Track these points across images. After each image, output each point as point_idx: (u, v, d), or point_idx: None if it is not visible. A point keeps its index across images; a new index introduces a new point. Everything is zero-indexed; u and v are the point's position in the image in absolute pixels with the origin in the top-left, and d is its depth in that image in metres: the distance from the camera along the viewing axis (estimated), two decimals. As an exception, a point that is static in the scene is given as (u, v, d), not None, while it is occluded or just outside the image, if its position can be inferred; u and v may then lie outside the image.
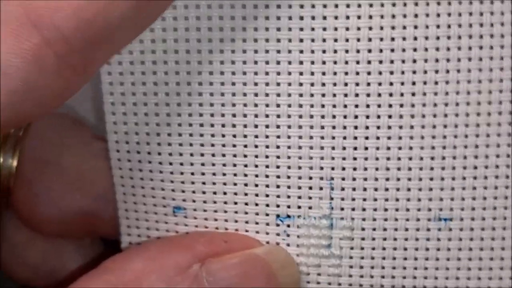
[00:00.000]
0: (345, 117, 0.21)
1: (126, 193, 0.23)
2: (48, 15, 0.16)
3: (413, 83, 0.21)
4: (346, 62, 0.21)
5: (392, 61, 0.20)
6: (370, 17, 0.20)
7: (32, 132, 0.24)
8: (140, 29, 0.18)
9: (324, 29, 0.20)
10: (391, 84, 0.21)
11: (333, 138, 0.21)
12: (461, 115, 0.21)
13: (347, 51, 0.20)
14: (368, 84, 0.21)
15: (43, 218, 0.24)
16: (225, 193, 0.22)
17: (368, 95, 0.21)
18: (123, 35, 0.18)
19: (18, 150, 0.23)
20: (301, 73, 0.21)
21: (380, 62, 0.20)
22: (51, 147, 0.24)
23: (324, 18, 0.20)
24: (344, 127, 0.21)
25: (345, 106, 0.21)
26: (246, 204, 0.22)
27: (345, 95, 0.21)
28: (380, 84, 0.21)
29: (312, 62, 0.21)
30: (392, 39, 0.20)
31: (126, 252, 0.23)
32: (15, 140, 0.23)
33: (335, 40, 0.20)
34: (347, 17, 0.20)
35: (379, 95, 0.21)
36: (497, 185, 0.21)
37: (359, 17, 0.20)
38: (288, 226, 0.22)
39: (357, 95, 0.21)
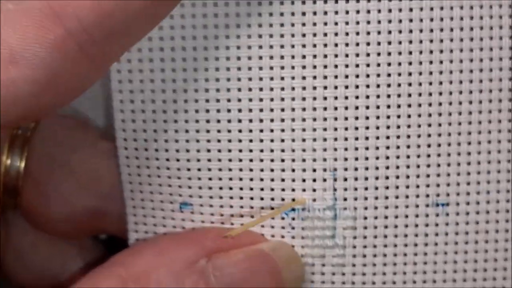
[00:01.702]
0: (346, 108, 0.22)
1: (133, 190, 0.24)
2: (71, 7, 0.17)
3: (409, 74, 0.22)
4: (347, 55, 0.22)
5: (389, 53, 0.22)
6: (368, 11, 0.21)
7: (40, 132, 0.24)
8: (154, 23, 0.19)
9: (325, 23, 0.21)
10: (388, 75, 0.22)
11: (336, 129, 0.22)
12: (454, 103, 0.22)
13: (347, 44, 0.22)
14: (367, 75, 0.22)
15: (53, 217, 0.24)
16: (231, 188, 0.23)
17: (367, 86, 0.22)
18: (138, 28, 0.19)
19: (26, 151, 0.24)
20: (303, 67, 0.22)
21: (378, 54, 0.22)
22: (59, 147, 0.24)
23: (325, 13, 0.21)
24: (346, 118, 0.22)
25: (346, 97, 0.22)
26: (252, 198, 0.23)
27: (346, 87, 0.22)
28: (378, 75, 0.22)
29: (315, 56, 0.22)
30: (389, 32, 0.21)
31: (134, 247, 0.23)
32: (23, 141, 0.24)
33: (335, 34, 0.22)
34: (347, 12, 0.21)
35: (378, 86, 0.22)
36: (490, 170, 0.22)
37: (357, 12, 0.21)
38: (293, 219, 0.23)
39: (357, 86, 0.22)
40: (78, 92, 0.19)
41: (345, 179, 0.23)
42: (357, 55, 0.22)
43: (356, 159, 0.22)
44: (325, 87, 0.22)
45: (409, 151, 0.22)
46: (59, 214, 0.24)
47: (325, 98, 0.22)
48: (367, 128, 0.22)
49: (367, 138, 0.22)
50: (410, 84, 0.22)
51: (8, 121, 0.18)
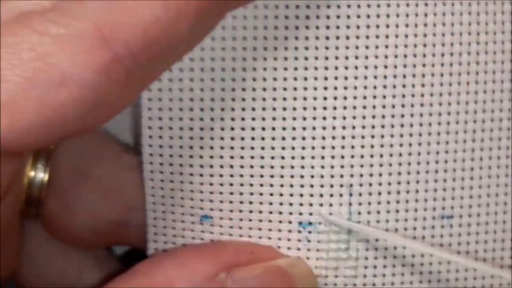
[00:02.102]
0: (363, 127, 0.24)
1: (155, 202, 0.25)
2: (120, 32, 0.18)
3: (422, 95, 0.23)
4: (365, 77, 0.23)
5: (404, 75, 0.23)
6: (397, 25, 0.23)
7: (64, 145, 0.25)
8: (194, 45, 0.20)
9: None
10: (403, 96, 0.23)
11: (353, 147, 0.24)
12: (461, 122, 0.24)
13: (366, 67, 0.23)
14: (384, 96, 0.23)
15: (76, 228, 0.25)
16: (251, 203, 0.24)
17: (383, 107, 0.23)
18: (180, 51, 0.20)
19: (50, 163, 0.25)
20: (325, 88, 0.23)
21: (394, 76, 0.23)
22: (83, 159, 0.25)
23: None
24: (363, 137, 0.24)
25: (364, 117, 0.24)
26: (271, 212, 0.24)
27: (364, 107, 0.23)
28: (394, 96, 0.23)
29: (336, 78, 0.23)
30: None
31: (155, 257, 0.24)
32: (47, 154, 0.25)
33: (356, 57, 0.23)
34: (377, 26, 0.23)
35: (393, 106, 0.23)
36: (490, 184, 0.24)
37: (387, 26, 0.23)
38: (310, 232, 0.24)
39: (374, 107, 0.23)
40: (119, 110, 0.20)
41: (360, 194, 0.24)
42: (375, 77, 0.23)
43: (371, 175, 0.24)
44: (344, 107, 0.23)
45: (419, 167, 0.24)
46: (82, 224, 0.25)
47: (344, 118, 0.24)
48: (381, 146, 0.24)
49: (381, 156, 0.24)
50: (422, 105, 0.24)
51: (53, 140, 0.19)
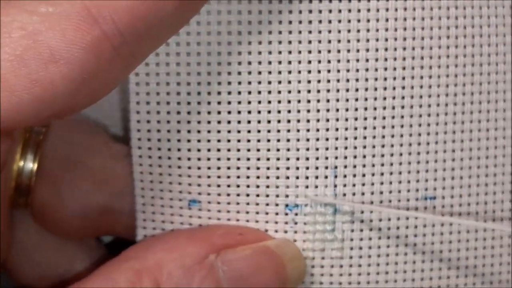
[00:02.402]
0: (346, 110, 0.24)
1: (144, 188, 0.25)
2: (107, 10, 0.18)
3: (403, 78, 0.24)
4: (348, 60, 0.24)
5: (385, 59, 0.24)
6: (377, 10, 0.24)
7: (53, 134, 0.25)
8: (181, 25, 0.21)
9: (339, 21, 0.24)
10: (385, 79, 0.24)
11: (337, 129, 0.24)
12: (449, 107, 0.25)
13: (348, 51, 0.24)
14: (366, 79, 0.24)
15: (66, 215, 0.25)
16: (238, 186, 0.25)
17: (366, 89, 0.24)
18: (167, 30, 0.20)
19: (39, 152, 0.25)
20: (309, 71, 0.24)
21: (376, 60, 0.24)
22: (73, 148, 0.25)
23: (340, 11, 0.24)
24: (346, 119, 0.24)
25: (347, 100, 0.24)
26: (258, 195, 0.25)
27: (347, 90, 0.24)
28: (376, 79, 0.24)
29: (319, 61, 0.24)
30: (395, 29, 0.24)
31: (145, 242, 0.25)
32: (36, 142, 0.25)
33: (338, 41, 0.24)
34: (358, 10, 0.24)
35: (375, 89, 0.24)
36: (471, 165, 0.25)
37: (368, 10, 0.24)
38: (296, 214, 0.25)
39: (357, 90, 0.24)
40: (108, 90, 0.20)
41: (345, 176, 0.25)
42: (357, 60, 0.24)
43: (355, 157, 0.24)
44: (328, 90, 0.24)
45: (402, 149, 0.25)
46: (72, 212, 0.25)
47: (327, 101, 0.24)
48: (365, 128, 0.24)
49: (365, 138, 0.24)
50: (403, 88, 0.24)
51: (44, 118, 0.19)
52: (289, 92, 0.24)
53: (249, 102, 0.24)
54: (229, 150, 0.24)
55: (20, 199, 0.25)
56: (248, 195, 0.25)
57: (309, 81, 0.24)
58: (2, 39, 0.18)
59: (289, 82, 0.24)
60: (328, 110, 0.24)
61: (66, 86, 0.18)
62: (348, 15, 0.24)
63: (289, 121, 0.24)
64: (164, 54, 0.24)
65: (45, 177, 0.25)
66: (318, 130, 0.24)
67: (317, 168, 0.24)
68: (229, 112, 0.24)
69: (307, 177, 0.25)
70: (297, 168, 0.24)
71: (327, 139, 0.24)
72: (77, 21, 0.18)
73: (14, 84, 0.18)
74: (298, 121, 0.24)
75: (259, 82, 0.24)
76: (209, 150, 0.24)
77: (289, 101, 0.24)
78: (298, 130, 0.24)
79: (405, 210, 0.25)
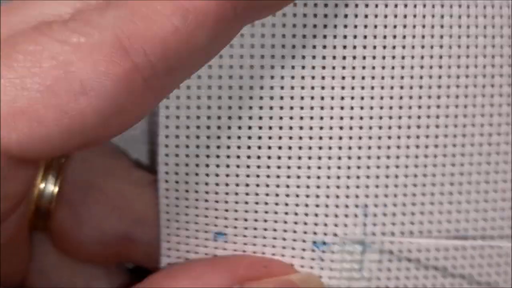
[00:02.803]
0: (379, 147, 0.24)
1: (170, 219, 0.25)
2: (139, 42, 0.18)
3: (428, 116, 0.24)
4: (372, 88, 0.23)
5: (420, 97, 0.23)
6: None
7: (75, 159, 0.25)
8: (212, 55, 0.20)
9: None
10: (419, 117, 0.24)
11: (368, 167, 0.24)
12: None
13: (373, 78, 0.23)
14: (400, 117, 0.23)
15: (83, 241, 0.25)
16: (265, 221, 0.24)
17: (399, 127, 0.24)
18: (198, 61, 0.20)
19: (61, 175, 0.25)
20: (341, 107, 0.23)
21: (411, 97, 0.23)
22: (94, 173, 0.25)
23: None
24: (378, 157, 0.24)
25: (379, 138, 0.24)
26: (285, 231, 0.24)
27: (380, 127, 0.23)
28: (409, 117, 0.24)
29: (352, 98, 0.23)
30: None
31: (169, 270, 0.24)
32: (58, 165, 0.25)
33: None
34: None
35: (409, 127, 0.24)
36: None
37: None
38: (323, 251, 0.24)
39: (390, 127, 0.23)
40: (137, 120, 0.20)
41: (375, 215, 0.24)
42: (382, 87, 0.23)
43: (386, 196, 0.24)
44: (361, 127, 0.23)
45: (434, 188, 0.24)
46: (91, 237, 0.25)
47: (360, 138, 0.24)
48: (397, 167, 0.24)
49: (396, 177, 0.24)
50: (437, 127, 0.24)
51: (71, 148, 0.19)
52: (321, 128, 0.23)
53: (280, 138, 0.24)
54: (257, 185, 0.24)
55: (40, 222, 0.25)
56: (275, 230, 0.24)
57: (341, 118, 0.23)
58: (32, 68, 0.17)
59: (321, 118, 0.23)
60: (359, 148, 0.24)
61: (95, 118, 0.18)
62: (373, 41, 0.23)
63: (320, 157, 0.24)
64: (195, 87, 0.23)
65: (64, 201, 0.25)
66: (349, 167, 0.24)
67: (347, 206, 0.24)
68: (259, 147, 0.24)
69: (336, 215, 0.24)
70: (327, 206, 0.24)
71: (358, 177, 0.24)
72: (109, 52, 0.18)
73: (44, 115, 0.17)
74: (329, 158, 0.24)
75: (281, 108, 0.23)
76: (237, 184, 0.24)
77: (320, 138, 0.23)
78: (329, 168, 0.24)
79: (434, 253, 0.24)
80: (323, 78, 0.23)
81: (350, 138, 0.24)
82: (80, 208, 0.25)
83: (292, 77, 0.23)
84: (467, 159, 0.24)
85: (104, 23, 0.18)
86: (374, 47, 0.23)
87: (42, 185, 0.25)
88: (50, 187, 0.25)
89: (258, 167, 0.24)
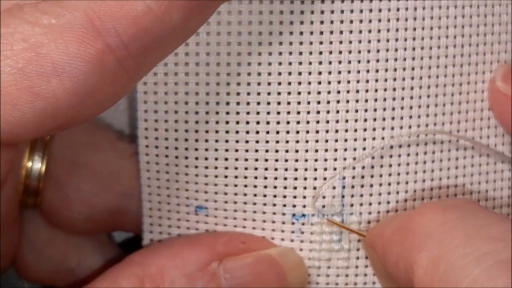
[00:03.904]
0: (356, 120, 0.24)
1: (151, 193, 0.25)
2: (111, 23, 0.18)
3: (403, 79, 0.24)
4: (349, 62, 0.24)
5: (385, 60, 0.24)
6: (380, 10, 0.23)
7: (60, 136, 0.25)
8: (187, 36, 0.20)
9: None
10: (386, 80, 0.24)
11: (346, 140, 0.24)
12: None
13: (350, 51, 0.23)
14: (367, 81, 0.24)
15: (74, 217, 0.25)
16: (245, 194, 0.25)
17: (375, 99, 0.24)
18: (172, 42, 0.20)
19: (47, 153, 0.25)
20: (319, 82, 0.24)
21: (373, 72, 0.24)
22: (79, 148, 0.25)
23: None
24: (355, 130, 0.24)
25: (356, 111, 0.24)
26: (265, 204, 0.25)
27: (357, 100, 0.24)
28: (370, 90, 0.24)
29: (320, 62, 0.23)
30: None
31: (150, 247, 0.25)
32: (43, 144, 0.25)
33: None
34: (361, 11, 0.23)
35: (385, 99, 0.24)
36: None
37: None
38: (303, 224, 0.25)
39: (366, 100, 0.24)
40: (114, 101, 0.20)
41: (353, 187, 0.24)
42: (359, 61, 0.24)
43: (363, 168, 0.24)
44: (338, 101, 0.24)
45: (409, 158, 0.24)
46: (80, 213, 0.25)
47: (337, 112, 0.24)
48: (373, 139, 0.24)
49: (373, 148, 0.24)
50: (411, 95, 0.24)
51: (47, 130, 0.19)
52: (299, 103, 0.24)
53: (258, 113, 0.24)
54: (236, 159, 0.24)
55: (29, 200, 0.25)
56: (255, 203, 0.25)
57: (319, 92, 0.24)
58: (4, 51, 0.18)
59: (299, 93, 0.24)
60: (337, 121, 0.24)
61: (69, 100, 0.18)
62: (350, 15, 0.23)
63: (297, 132, 0.24)
64: (173, 64, 0.23)
65: (52, 179, 0.25)
66: (327, 141, 0.24)
67: (325, 178, 0.24)
68: (237, 122, 0.24)
69: (314, 187, 0.24)
70: (305, 179, 0.24)
71: (335, 150, 0.24)
72: (80, 33, 0.18)
73: (16, 98, 0.18)
74: (307, 132, 0.24)
75: (269, 93, 0.24)
76: (216, 159, 0.24)
77: (298, 112, 0.24)
78: (307, 141, 0.24)
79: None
80: (299, 74, 0.23)
81: (327, 112, 0.24)
82: (67, 185, 0.25)
83: (270, 53, 0.23)
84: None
85: (75, 3, 0.18)
86: (350, 42, 0.23)
87: (29, 164, 0.25)
88: (37, 165, 0.25)
89: (237, 141, 0.24)
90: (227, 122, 0.24)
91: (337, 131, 0.24)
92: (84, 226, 0.26)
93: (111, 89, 0.19)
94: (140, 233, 0.26)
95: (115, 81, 0.19)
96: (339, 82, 0.24)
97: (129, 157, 0.25)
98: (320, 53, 0.23)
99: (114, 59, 0.18)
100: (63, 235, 0.27)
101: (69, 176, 0.25)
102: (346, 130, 0.24)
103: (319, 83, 0.24)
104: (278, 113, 0.24)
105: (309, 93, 0.24)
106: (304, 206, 0.25)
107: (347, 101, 0.24)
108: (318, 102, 0.24)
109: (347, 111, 0.24)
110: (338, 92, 0.24)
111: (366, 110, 0.24)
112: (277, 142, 0.24)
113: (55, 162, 0.25)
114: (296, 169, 0.24)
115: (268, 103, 0.24)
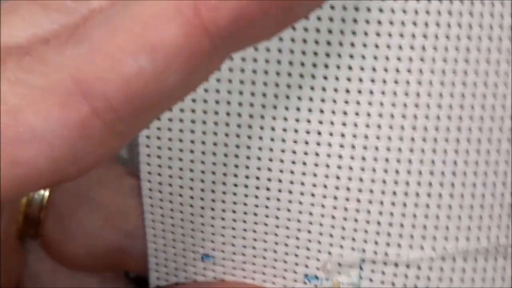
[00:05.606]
0: (383, 193, 0.21)
1: (156, 235, 0.23)
2: (99, 85, 0.16)
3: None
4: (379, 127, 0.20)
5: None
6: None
7: None
8: (186, 93, 0.18)
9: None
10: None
11: (369, 212, 0.21)
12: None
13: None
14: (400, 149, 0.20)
15: (73, 252, 0.24)
16: (254, 248, 0.22)
17: (397, 172, 0.20)
18: (169, 101, 0.17)
19: None
20: (341, 146, 0.20)
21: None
22: (84, 181, 0.24)
23: None
24: (381, 203, 0.21)
25: (384, 181, 0.21)
26: (275, 260, 0.22)
27: (385, 170, 0.21)
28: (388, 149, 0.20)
29: (344, 124, 0.20)
30: None
31: None
32: None
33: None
34: None
35: (409, 161, 0.20)
36: None
37: None
38: (315, 286, 0.22)
39: (397, 171, 0.20)
40: (103, 160, 0.18)
41: (374, 262, 0.21)
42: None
43: (388, 244, 0.21)
44: (362, 169, 0.21)
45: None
46: (81, 249, 0.24)
47: (361, 180, 0.21)
48: (403, 215, 0.21)
49: (402, 226, 0.21)
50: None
51: (30, 191, 0.18)
52: (316, 165, 0.21)
53: (270, 170, 0.21)
54: (245, 213, 0.22)
55: (30, 229, 0.24)
56: (264, 257, 0.22)
57: (340, 156, 0.21)
58: None
59: (317, 154, 0.21)
60: (360, 191, 0.21)
61: (51, 165, 0.16)
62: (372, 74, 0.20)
63: (313, 195, 0.21)
64: (178, 110, 0.21)
65: (54, 210, 0.24)
66: (346, 209, 0.21)
67: (341, 246, 0.22)
68: (246, 177, 0.21)
69: (329, 253, 0.22)
70: (319, 242, 0.22)
71: (356, 221, 0.21)
72: (65, 97, 0.16)
73: None
74: (324, 196, 0.21)
75: (283, 151, 0.21)
76: (223, 210, 0.22)
77: (315, 174, 0.21)
78: (323, 206, 0.21)
79: None
80: (319, 133, 0.20)
81: (350, 179, 0.21)
82: (70, 218, 0.24)
83: (286, 108, 0.20)
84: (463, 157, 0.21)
85: (61, 61, 0.16)
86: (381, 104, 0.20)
87: (31, 193, 0.24)
88: (40, 195, 0.24)
89: (246, 196, 0.22)
90: (235, 175, 0.21)
91: (359, 200, 0.21)
92: (84, 262, 0.24)
93: (99, 151, 0.17)
94: (143, 274, 0.24)
95: (103, 145, 0.17)
96: (365, 147, 0.20)
97: (137, 195, 0.24)
98: (345, 113, 0.20)
99: (101, 124, 0.16)
100: (65, 268, 0.26)
101: (72, 208, 0.24)
102: (370, 202, 0.21)
103: (341, 146, 0.20)
104: (292, 172, 0.21)
105: (328, 155, 0.21)
106: (318, 269, 0.22)
107: (374, 170, 0.20)
108: (339, 167, 0.21)
109: (372, 180, 0.21)
110: (363, 158, 0.20)
111: (396, 183, 0.20)
112: (290, 202, 0.21)
113: (58, 192, 0.24)
114: (309, 232, 0.22)
115: (282, 161, 0.21)
